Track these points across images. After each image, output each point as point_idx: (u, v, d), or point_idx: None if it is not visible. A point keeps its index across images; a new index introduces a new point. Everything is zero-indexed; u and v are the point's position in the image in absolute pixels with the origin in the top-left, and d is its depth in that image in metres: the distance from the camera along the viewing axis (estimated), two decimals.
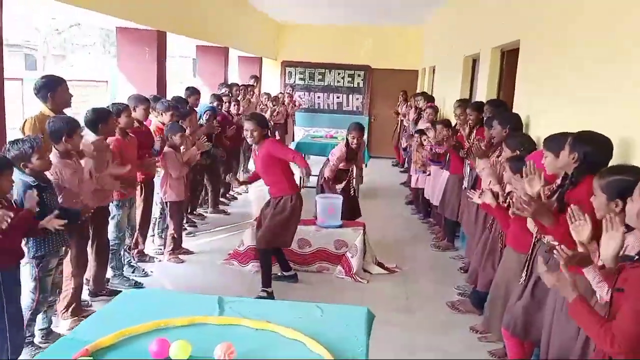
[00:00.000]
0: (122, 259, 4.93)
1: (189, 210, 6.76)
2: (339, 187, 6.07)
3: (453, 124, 6.53)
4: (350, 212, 6.00)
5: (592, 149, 2.70)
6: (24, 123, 3.98)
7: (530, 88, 4.82)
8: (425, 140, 7.00)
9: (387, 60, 13.15)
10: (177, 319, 2.38)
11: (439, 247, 6.30)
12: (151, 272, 5.22)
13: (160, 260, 5.54)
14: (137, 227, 5.21)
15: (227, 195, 8.16)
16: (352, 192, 6.29)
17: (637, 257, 1.99)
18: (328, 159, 6.19)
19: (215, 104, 7.41)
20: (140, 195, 5.20)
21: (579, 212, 2.38)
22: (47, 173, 3.46)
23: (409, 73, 13.07)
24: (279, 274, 5.11)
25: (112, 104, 4.78)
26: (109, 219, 4.61)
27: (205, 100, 7.62)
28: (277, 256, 5.04)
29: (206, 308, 2.55)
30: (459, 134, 5.97)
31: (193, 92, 6.93)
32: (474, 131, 5.57)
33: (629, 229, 2.16)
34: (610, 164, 2.69)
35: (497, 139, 4.52)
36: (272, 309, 2.71)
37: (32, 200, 3.13)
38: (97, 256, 4.37)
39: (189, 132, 5.79)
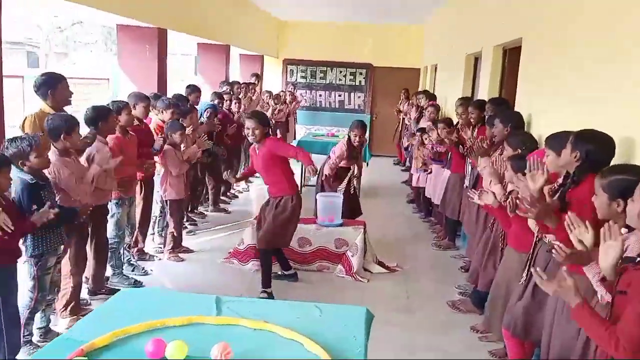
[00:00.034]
0: (122, 257, 4.92)
1: (189, 209, 6.75)
2: (341, 187, 6.05)
3: (455, 123, 6.50)
4: (351, 211, 5.98)
5: (594, 147, 2.68)
6: (24, 121, 3.97)
7: (530, 88, 4.81)
8: (426, 139, 6.98)
9: (389, 58, 13.11)
10: (173, 319, 2.36)
11: (440, 246, 6.27)
12: (151, 270, 5.20)
13: (160, 259, 5.52)
14: (137, 225, 5.20)
15: (228, 193, 8.15)
16: (353, 190, 6.27)
17: (638, 258, 1.97)
18: (329, 157, 6.17)
19: (216, 101, 7.39)
20: (140, 194, 5.19)
21: (578, 219, 2.34)
22: (45, 171, 3.44)
23: (410, 71, 13.04)
24: (279, 272, 5.09)
25: (112, 101, 4.76)
26: (109, 217, 4.60)
27: (206, 98, 7.60)
28: (277, 255, 5.02)
29: (204, 308, 2.53)
30: (460, 132, 5.94)
31: (194, 90, 6.91)
32: (476, 130, 5.54)
33: (629, 229, 2.14)
34: (611, 163, 2.66)
35: (498, 138, 4.50)
36: (270, 308, 2.69)
37: (43, 216, 3.13)
38: (96, 255, 4.36)
39: (190, 130, 5.77)
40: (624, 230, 2.24)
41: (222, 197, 7.79)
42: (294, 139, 11.61)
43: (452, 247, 6.22)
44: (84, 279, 4.30)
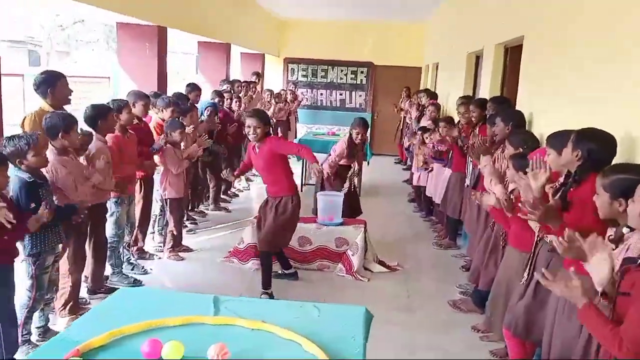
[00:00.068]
0: (121, 256, 4.91)
1: (189, 207, 6.73)
2: (345, 187, 6.02)
3: (456, 122, 6.47)
4: (351, 210, 5.95)
5: (595, 146, 2.66)
6: (24, 119, 3.97)
7: (531, 87, 4.79)
8: (427, 137, 6.95)
9: (390, 57, 13.09)
10: (171, 319, 2.34)
11: (441, 245, 6.25)
12: (151, 269, 5.19)
13: (160, 258, 5.51)
14: (137, 224, 5.18)
15: (229, 192, 8.13)
16: (353, 188, 6.24)
17: None
18: (329, 155, 6.15)
19: (216, 100, 7.38)
20: (140, 192, 5.17)
21: (574, 236, 2.31)
22: (43, 170, 3.42)
23: (412, 70, 13.01)
24: (280, 271, 5.07)
25: (113, 100, 4.74)
26: (108, 216, 4.58)
27: (206, 97, 7.59)
28: (277, 255, 4.99)
29: (201, 307, 2.51)
30: (461, 131, 5.91)
31: (194, 88, 6.89)
32: (477, 128, 5.52)
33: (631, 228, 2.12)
34: (613, 162, 2.64)
35: (499, 136, 4.47)
36: (268, 308, 2.67)
37: (40, 220, 3.12)
38: (94, 253, 4.34)
39: (190, 129, 5.75)
40: (625, 229, 2.22)
41: (222, 196, 7.77)
42: (295, 137, 11.59)
43: (453, 246, 6.19)
44: (83, 278, 4.29)
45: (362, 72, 13.49)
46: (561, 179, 2.93)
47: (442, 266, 5.73)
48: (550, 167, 2.92)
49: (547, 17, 4.43)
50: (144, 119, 5.27)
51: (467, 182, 5.36)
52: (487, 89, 6.15)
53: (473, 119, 5.65)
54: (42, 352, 2.18)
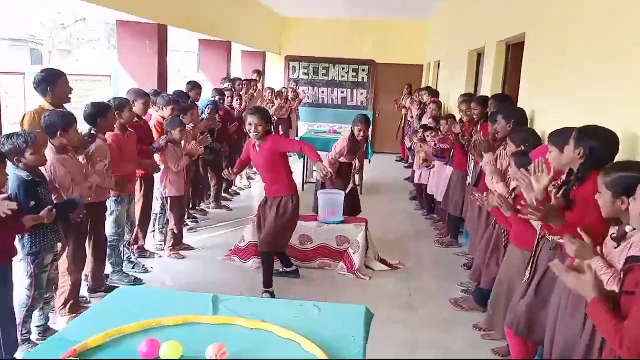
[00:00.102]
0: (122, 255, 4.89)
1: (190, 206, 6.72)
2: (350, 186, 6.00)
3: (458, 119, 6.45)
4: (351, 208, 5.93)
5: (597, 143, 2.63)
6: (23, 117, 3.96)
7: (531, 87, 4.78)
8: (428, 135, 6.93)
9: (391, 55, 13.04)
10: (169, 318, 2.33)
11: (443, 243, 6.23)
12: (151, 268, 5.17)
13: (160, 256, 5.49)
14: (137, 222, 5.17)
15: (230, 190, 8.12)
16: (354, 186, 6.21)
17: None
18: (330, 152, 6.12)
19: (217, 98, 7.35)
20: (140, 191, 5.16)
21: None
22: (42, 168, 3.41)
23: (413, 68, 12.97)
24: (281, 269, 5.05)
25: (114, 98, 4.72)
26: (108, 214, 4.57)
27: (207, 95, 7.57)
28: (277, 253, 4.97)
29: (200, 307, 2.49)
30: (464, 128, 5.90)
31: (194, 86, 6.87)
32: (479, 126, 5.50)
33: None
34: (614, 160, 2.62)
35: (501, 134, 4.45)
36: (268, 307, 2.65)
37: (37, 220, 3.10)
38: (94, 252, 4.33)
39: (190, 127, 5.73)
40: (628, 227, 2.20)
41: (223, 194, 7.76)
42: (297, 135, 11.57)
43: (454, 245, 6.17)
44: (83, 277, 4.28)
45: (363, 70, 13.46)
46: (563, 177, 2.91)
47: (443, 264, 5.70)
48: (552, 169, 2.89)
49: (548, 14, 4.43)
50: (144, 118, 5.26)
51: (469, 180, 5.34)
52: (489, 87, 6.12)
53: (475, 117, 5.63)
54: (39, 352, 2.17)
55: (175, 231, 5.51)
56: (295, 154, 8.20)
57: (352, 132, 5.92)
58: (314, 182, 6.65)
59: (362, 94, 13.57)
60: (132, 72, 6.52)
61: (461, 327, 4.22)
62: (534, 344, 3.24)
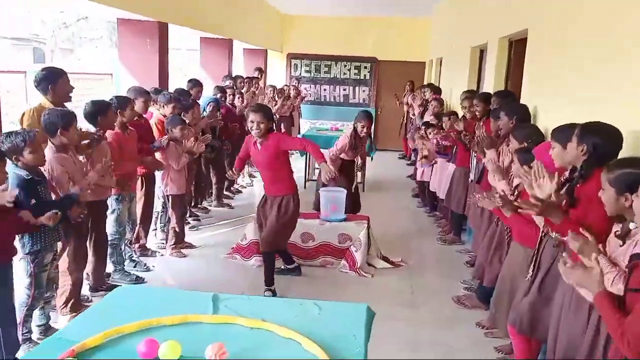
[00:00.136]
0: (123, 253, 4.88)
1: (192, 204, 6.70)
2: (356, 183, 5.96)
3: (460, 116, 6.42)
4: (351, 205, 5.89)
5: (601, 139, 2.60)
6: (23, 114, 3.95)
7: (531, 87, 4.77)
8: (430, 133, 6.90)
9: (393, 52, 13.01)
10: (168, 318, 2.31)
11: (445, 240, 6.20)
12: (153, 266, 5.16)
13: (162, 255, 5.48)
14: (139, 221, 5.15)
15: (232, 188, 8.10)
16: (355, 183, 6.18)
17: None
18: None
19: (218, 95, 7.33)
20: (141, 189, 5.14)
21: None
22: (41, 167, 3.39)
23: (416, 65, 12.93)
24: (282, 267, 5.03)
25: (115, 96, 4.70)
26: (109, 213, 4.56)
27: (208, 93, 7.55)
28: (279, 251, 4.95)
29: (200, 306, 2.47)
30: (466, 125, 5.87)
31: (195, 84, 6.84)
32: (481, 122, 5.47)
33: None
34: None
35: (504, 131, 4.42)
36: (268, 306, 2.63)
37: (27, 214, 3.09)
38: (95, 251, 4.32)
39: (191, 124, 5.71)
40: (632, 225, 2.17)
41: (225, 192, 7.75)
42: (299, 133, 11.57)
43: (457, 242, 6.15)
44: (84, 276, 4.26)
45: (365, 68, 13.42)
46: (566, 174, 2.89)
47: (446, 262, 5.68)
48: (553, 176, 2.87)
49: (549, 10, 4.40)
50: (144, 116, 5.24)
51: (471, 177, 5.32)
52: (491, 83, 6.09)
53: (477, 114, 5.60)
54: (37, 352, 2.16)
55: (177, 229, 5.50)
56: (297, 151, 8.19)
57: (355, 129, 5.89)
58: (315, 180, 6.61)
59: (364, 91, 13.53)
60: (133, 70, 6.50)
61: (464, 324, 4.20)
62: (537, 342, 3.22)
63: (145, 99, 5.13)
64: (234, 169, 4.81)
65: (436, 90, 9.33)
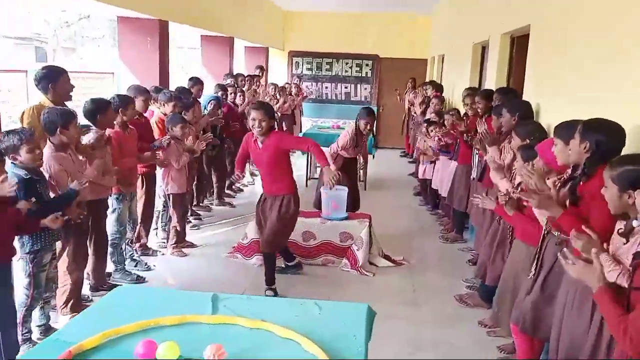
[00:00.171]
0: (124, 253, 4.86)
1: (194, 203, 6.68)
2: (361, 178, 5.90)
3: (462, 113, 6.40)
4: (351, 205, 5.85)
5: (603, 137, 2.57)
6: (23, 113, 3.94)
7: (536, 80, 4.73)
8: (432, 130, 6.87)
9: (395, 49, 12.97)
10: (167, 318, 2.29)
11: (447, 238, 6.18)
12: (154, 266, 5.14)
13: (163, 254, 5.46)
14: (139, 220, 5.14)
15: (233, 187, 8.08)
16: (356, 182, 6.15)
17: None
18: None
19: (219, 94, 7.31)
20: (142, 188, 5.12)
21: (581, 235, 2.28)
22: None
23: (417, 62, 12.89)
24: (283, 265, 5.00)
25: (117, 95, 4.67)
26: (109, 212, 4.54)
27: (209, 91, 7.53)
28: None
29: (199, 306, 2.45)
30: (468, 122, 5.84)
31: (196, 82, 6.82)
32: (484, 119, 5.43)
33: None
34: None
35: (506, 128, 4.39)
36: (268, 306, 2.61)
37: (26, 205, 3.06)
38: (95, 250, 4.30)
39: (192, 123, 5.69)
40: (635, 222, 2.15)
41: (227, 191, 7.73)
42: (300, 131, 11.54)
43: (459, 240, 6.12)
44: (85, 275, 4.25)
45: (367, 65, 13.38)
46: (569, 171, 2.86)
47: (448, 260, 5.66)
48: (543, 172, 2.87)
49: (550, 8, 4.38)
50: (144, 115, 5.22)
51: (473, 174, 5.29)
52: (493, 80, 6.06)
53: (479, 111, 5.57)
54: (35, 353, 2.14)
55: (178, 228, 5.48)
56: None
57: (357, 126, 5.85)
58: (317, 178, 6.58)
59: (365, 89, 13.50)
60: (133, 68, 6.48)
61: (466, 323, 4.18)
62: (539, 341, 3.20)
63: (145, 98, 5.11)
64: (236, 171, 4.75)
65: (438, 87, 9.30)
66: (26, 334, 3.44)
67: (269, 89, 10.23)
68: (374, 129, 6.59)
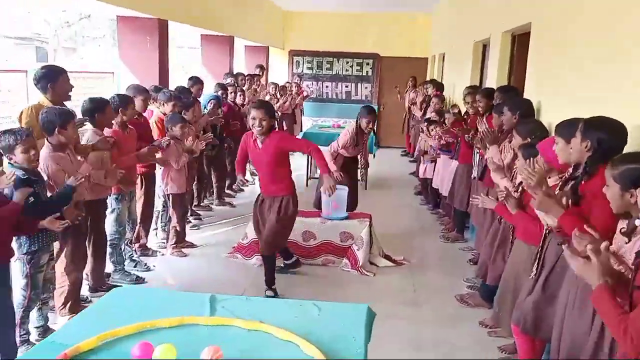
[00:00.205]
0: (123, 253, 4.84)
1: (194, 203, 6.67)
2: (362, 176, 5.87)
3: (463, 112, 6.37)
4: (352, 203, 5.82)
5: (605, 135, 2.55)
6: (21, 113, 3.93)
7: (537, 78, 4.71)
8: (433, 129, 6.85)
9: (396, 48, 12.95)
10: (164, 320, 2.27)
11: (448, 238, 6.15)
12: (154, 266, 5.12)
13: (163, 254, 5.44)
14: (139, 220, 5.12)
15: (234, 186, 8.06)
16: (355, 181, 6.13)
17: None
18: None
19: (220, 93, 7.29)
20: (141, 188, 5.10)
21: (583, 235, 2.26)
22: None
23: (418, 61, 12.87)
24: (282, 265, 4.98)
25: (117, 95, 4.65)
26: (109, 212, 4.52)
27: (209, 90, 7.51)
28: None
29: (197, 307, 2.43)
30: (469, 121, 5.82)
31: (196, 81, 6.80)
32: (484, 118, 5.41)
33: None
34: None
35: (507, 126, 4.37)
36: (267, 307, 2.58)
37: (23, 193, 3.03)
38: (94, 251, 4.28)
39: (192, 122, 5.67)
40: (638, 221, 2.13)
41: (227, 191, 7.71)
42: (301, 130, 11.52)
43: (460, 239, 6.10)
44: (84, 276, 4.23)
45: (367, 64, 13.35)
46: (570, 170, 2.84)
47: (449, 260, 5.63)
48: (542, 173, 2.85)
49: (550, 6, 4.36)
50: (143, 114, 5.20)
51: (474, 173, 5.27)
52: (494, 78, 6.04)
53: (480, 109, 5.55)
54: (31, 355, 2.12)
55: (178, 229, 5.46)
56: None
57: (358, 125, 5.82)
58: (317, 178, 6.56)
59: (366, 87, 13.47)
60: (133, 68, 6.47)
61: (467, 323, 4.16)
62: (541, 341, 3.17)
63: (145, 97, 5.09)
64: (238, 175, 4.73)
65: (438, 86, 9.27)
66: (24, 335, 3.41)
67: (269, 88, 10.22)
68: (375, 127, 6.55)
